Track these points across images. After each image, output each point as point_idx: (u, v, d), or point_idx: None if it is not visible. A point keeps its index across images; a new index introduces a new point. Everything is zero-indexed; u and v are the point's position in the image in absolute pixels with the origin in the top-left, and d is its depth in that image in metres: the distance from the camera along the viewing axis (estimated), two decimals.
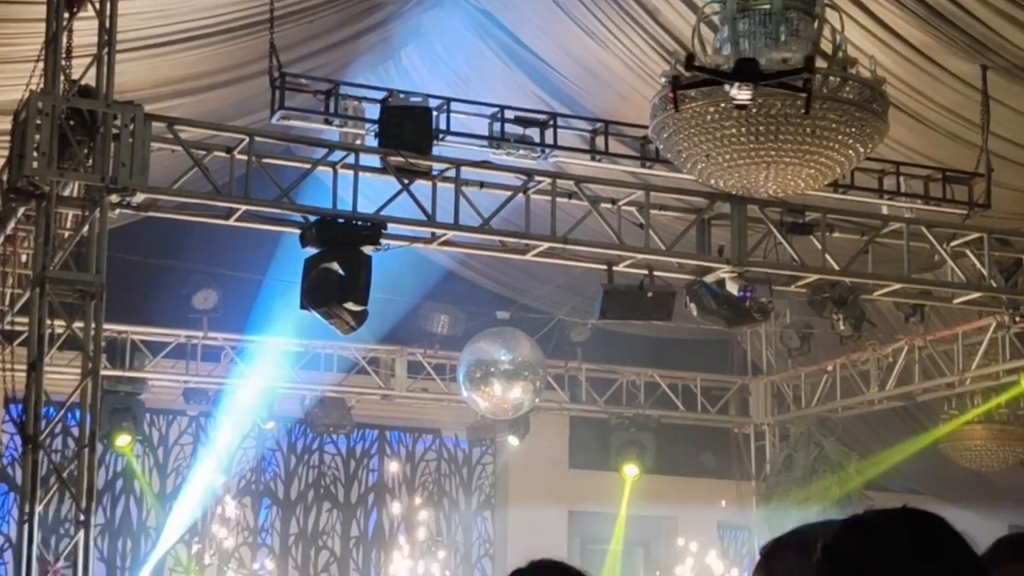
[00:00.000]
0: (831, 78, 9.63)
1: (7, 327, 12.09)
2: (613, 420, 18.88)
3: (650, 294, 13.08)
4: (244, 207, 11.39)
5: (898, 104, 11.68)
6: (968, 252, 13.50)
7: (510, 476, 19.69)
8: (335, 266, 11.46)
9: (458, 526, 19.73)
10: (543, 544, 17.87)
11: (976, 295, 13.76)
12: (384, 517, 19.42)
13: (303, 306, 11.83)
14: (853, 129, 9.57)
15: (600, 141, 12.84)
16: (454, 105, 12.34)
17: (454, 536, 19.59)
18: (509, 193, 12.32)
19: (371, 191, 11.97)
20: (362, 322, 12.00)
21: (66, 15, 10.31)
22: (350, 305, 11.61)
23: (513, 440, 18.49)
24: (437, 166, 11.95)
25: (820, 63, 9.83)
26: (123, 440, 16.70)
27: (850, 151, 9.77)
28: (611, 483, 18.81)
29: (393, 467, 19.35)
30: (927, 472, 18.89)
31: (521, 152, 12.45)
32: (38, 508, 9.88)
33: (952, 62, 11.95)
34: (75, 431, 10.56)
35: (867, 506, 16.66)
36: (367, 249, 11.57)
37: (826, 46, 9.87)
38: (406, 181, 11.76)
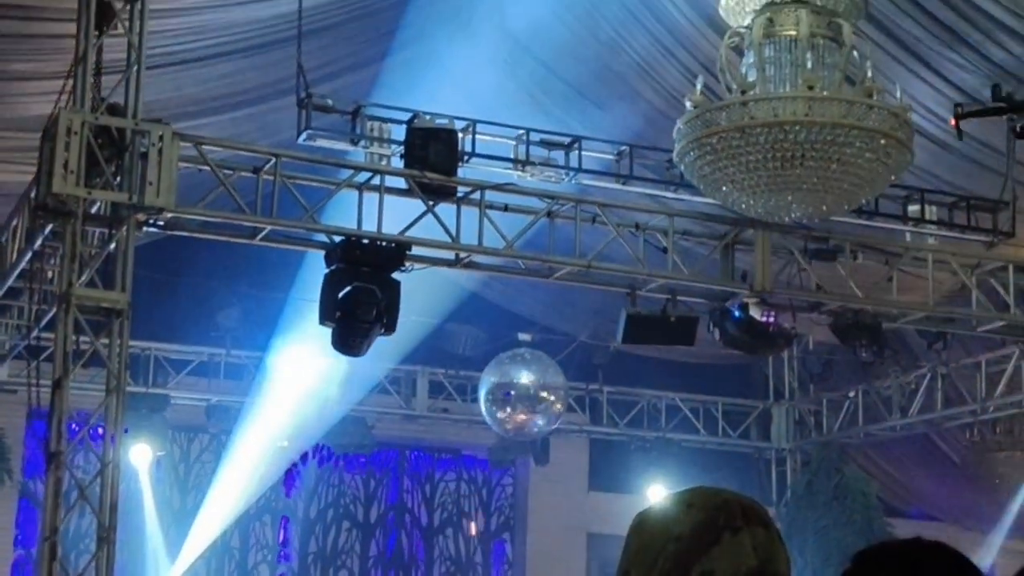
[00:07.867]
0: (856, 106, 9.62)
1: (32, 343, 12.13)
2: (634, 443, 18.85)
3: (673, 319, 13.07)
4: (269, 226, 11.41)
5: (923, 131, 11.66)
6: (992, 280, 13.47)
7: (529, 498, 19.66)
8: (371, 289, 11.47)
9: (476, 547, 19.70)
10: (562, 567, 17.86)
11: (1000, 323, 13.73)
12: (403, 538, 19.42)
13: (322, 321, 11.82)
14: (878, 156, 9.56)
15: (624, 165, 12.84)
16: (479, 127, 12.35)
17: (472, 557, 19.56)
18: (533, 216, 12.33)
19: (396, 212, 11.98)
20: (369, 346, 12.04)
21: (96, 33, 10.34)
22: (380, 332, 11.68)
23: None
24: (462, 188, 11.98)
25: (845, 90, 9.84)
26: (142, 450, 16.82)
27: (875, 178, 9.76)
28: (631, 506, 18.53)
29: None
30: (948, 499, 18.80)
31: (546, 175, 12.45)
32: (60, 525, 9.90)
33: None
34: (97, 447, 10.56)
35: (887, 534, 16.57)
36: (395, 275, 11.61)
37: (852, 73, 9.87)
38: (431, 202, 11.79)
